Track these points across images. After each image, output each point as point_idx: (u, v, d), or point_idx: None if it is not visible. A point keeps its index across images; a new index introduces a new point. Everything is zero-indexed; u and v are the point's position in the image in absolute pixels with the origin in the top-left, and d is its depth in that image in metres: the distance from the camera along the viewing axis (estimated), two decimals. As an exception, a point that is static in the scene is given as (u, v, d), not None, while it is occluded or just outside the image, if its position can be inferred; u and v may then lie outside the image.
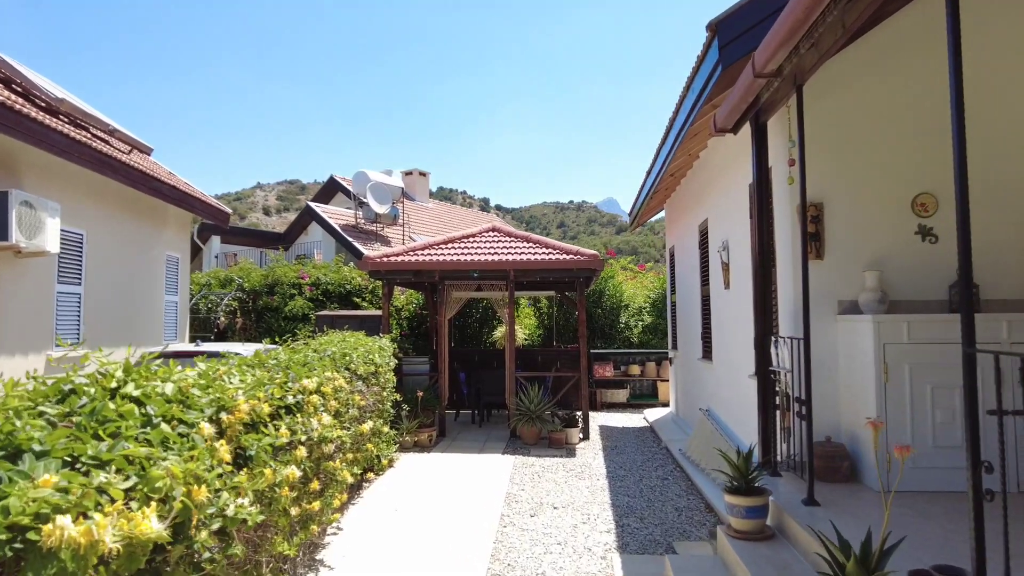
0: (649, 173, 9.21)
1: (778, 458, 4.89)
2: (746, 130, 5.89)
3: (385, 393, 7.45)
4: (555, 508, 6.17)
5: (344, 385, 5.11)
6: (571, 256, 9.54)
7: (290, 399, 3.43)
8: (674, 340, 11.16)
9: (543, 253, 9.72)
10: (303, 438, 3.64)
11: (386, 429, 7.37)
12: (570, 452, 8.77)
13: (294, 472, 2.94)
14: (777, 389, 4.70)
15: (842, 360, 4.87)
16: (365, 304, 14.65)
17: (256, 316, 14.92)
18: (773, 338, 4.65)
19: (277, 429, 3.11)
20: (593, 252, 9.52)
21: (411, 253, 9.98)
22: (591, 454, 8.66)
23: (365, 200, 18.91)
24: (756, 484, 4.07)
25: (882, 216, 4.98)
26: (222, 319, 13.22)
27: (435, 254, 9.93)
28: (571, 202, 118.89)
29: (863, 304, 4.73)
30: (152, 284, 10.64)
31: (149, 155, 10.86)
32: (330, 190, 24.42)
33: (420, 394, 9.08)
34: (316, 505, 3.91)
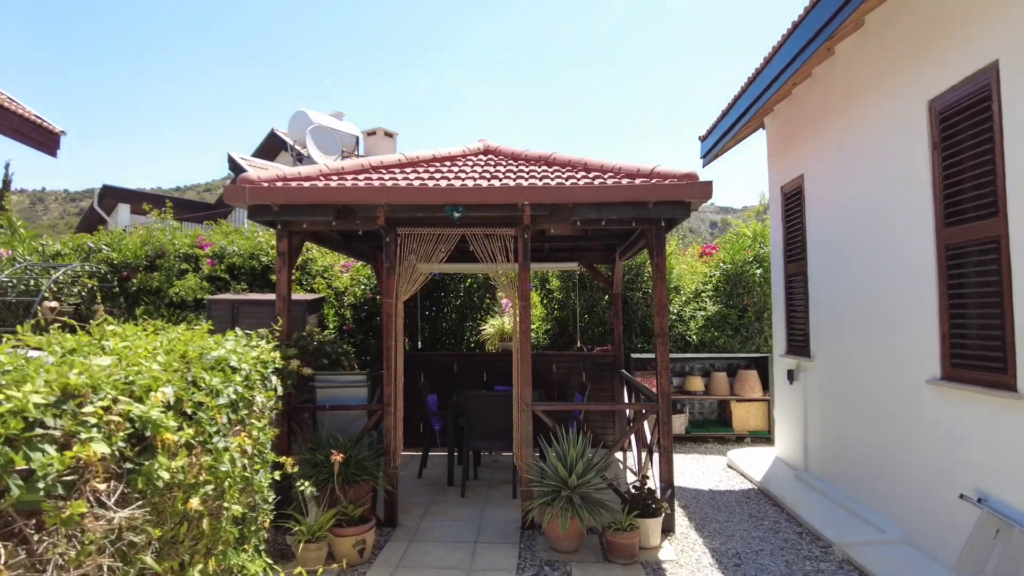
0: (805, 20, 4.63)
1: None
2: None
3: (205, 495, 2.72)
4: None
5: None
6: (644, 181, 4.90)
7: None
8: (795, 340, 6.57)
9: (585, 178, 5.06)
10: None
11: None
12: (658, 581, 4.15)
13: None
14: None
15: None
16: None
17: (129, 301, 10.02)
18: None
19: None
20: (685, 171, 4.88)
21: (334, 176, 5.25)
22: (706, 589, 4.04)
23: (305, 152, 14.06)
24: None
25: None
26: (49, 305, 8.38)
27: (379, 178, 5.22)
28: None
29: None
30: None
31: None
32: (271, 149, 19.44)
33: (338, 459, 4.32)
34: None
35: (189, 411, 2.58)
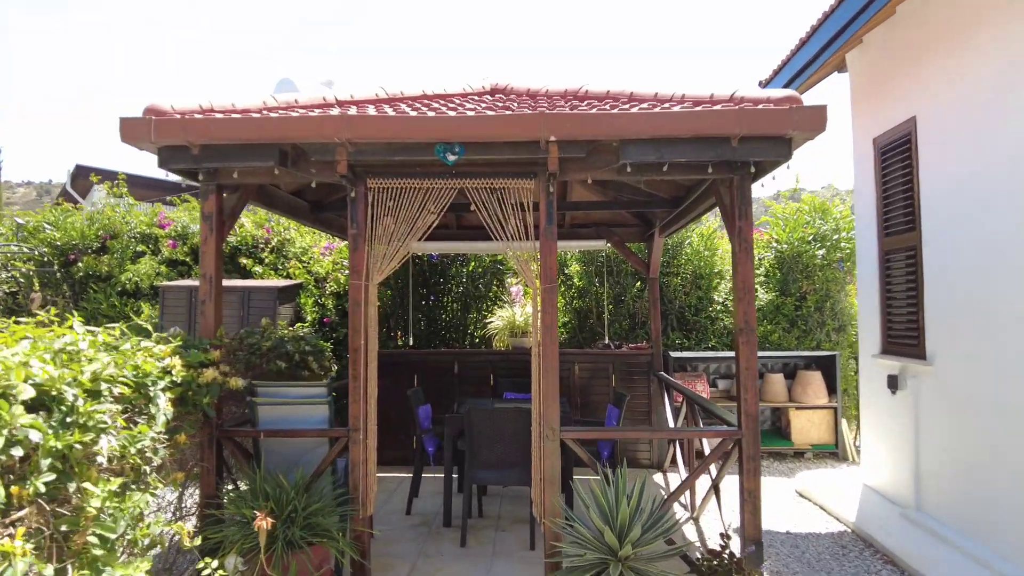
0: None
1: None
2: None
3: None
4: None
5: None
6: (725, 106, 3.36)
7: None
8: (896, 336, 5.03)
9: (637, 108, 3.51)
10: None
11: None
12: None
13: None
14: None
15: None
16: (262, 270, 8.37)
17: (75, 288, 8.57)
18: None
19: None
20: (784, 91, 3.34)
21: (281, 110, 3.72)
22: None
23: (291, 122, 12.48)
24: None
25: None
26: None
27: (342, 113, 3.69)
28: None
29: None
30: None
31: None
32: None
33: (263, 525, 2.81)
34: None
35: None
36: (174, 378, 2.82)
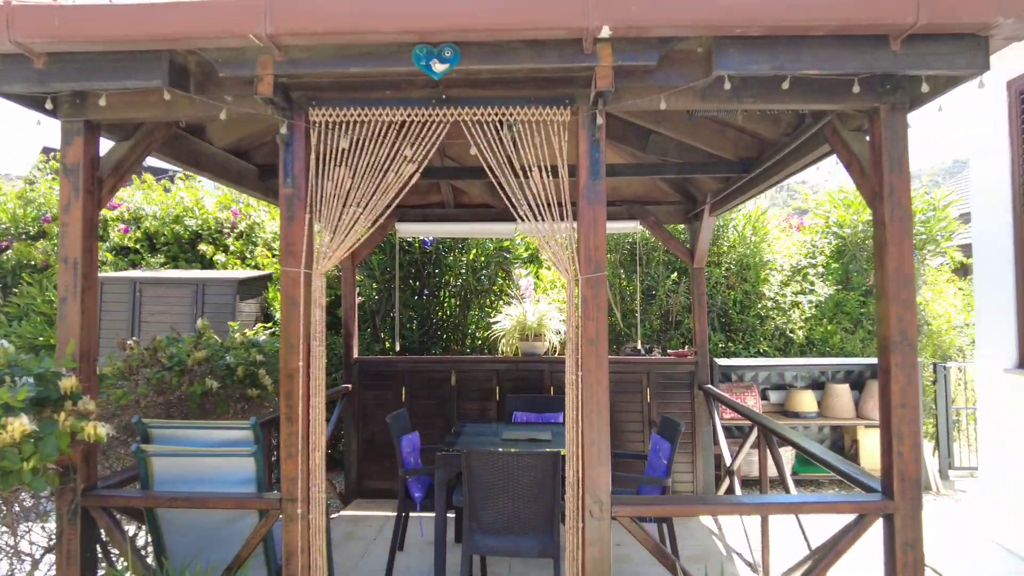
0: None
1: None
2: None
3: None
4: None
5: None
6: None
7: None
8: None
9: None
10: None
11: None
12: None
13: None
14: None
15: None
16: (227, 258, 7.09)
17: (5, 281, 7.29)
18: None
19: None
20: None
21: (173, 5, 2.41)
22: None
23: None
24: None
25: None
26: None
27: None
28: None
29: None
30: None
31: None
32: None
33: None
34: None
35: None
36: None
